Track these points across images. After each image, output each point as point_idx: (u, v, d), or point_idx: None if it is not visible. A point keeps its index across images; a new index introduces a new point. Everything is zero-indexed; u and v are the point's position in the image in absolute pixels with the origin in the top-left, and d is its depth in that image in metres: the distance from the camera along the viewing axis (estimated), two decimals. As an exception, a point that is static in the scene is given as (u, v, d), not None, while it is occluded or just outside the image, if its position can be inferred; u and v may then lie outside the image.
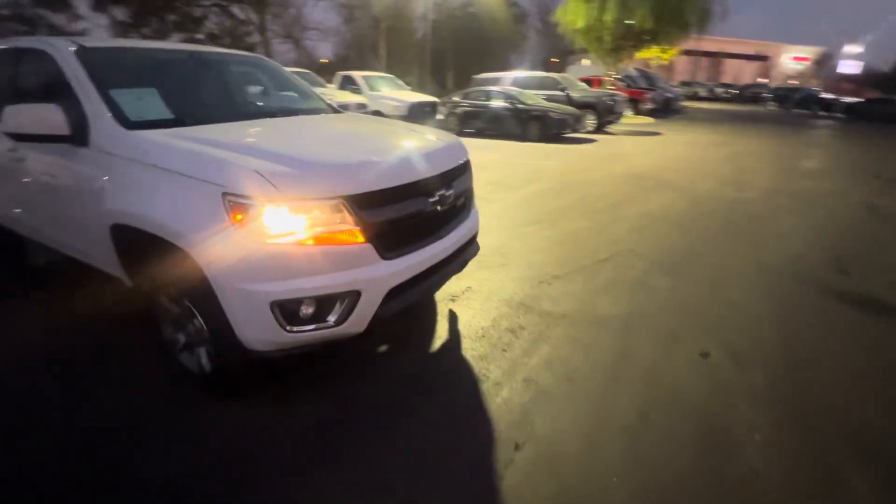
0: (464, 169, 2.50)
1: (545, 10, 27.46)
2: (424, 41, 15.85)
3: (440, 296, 3.12)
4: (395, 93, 11.67)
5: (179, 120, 2.28)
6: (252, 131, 2.18)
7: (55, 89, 2.27)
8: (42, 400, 2.09)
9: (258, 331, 1.75)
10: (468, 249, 2.53)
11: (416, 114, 11.32)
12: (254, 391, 2.15)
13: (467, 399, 2.13)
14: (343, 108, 8.90)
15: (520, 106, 12.10)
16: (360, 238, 1.82)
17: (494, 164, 8.24)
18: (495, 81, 15.02)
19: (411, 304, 2.13)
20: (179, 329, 2.08)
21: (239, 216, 1.65)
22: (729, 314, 2.94)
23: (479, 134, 12.82)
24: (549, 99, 13.49)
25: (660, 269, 3.62)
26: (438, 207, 2.15)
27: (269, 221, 1.65)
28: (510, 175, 7.27)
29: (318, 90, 9.27)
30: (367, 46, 21.27)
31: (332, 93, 9.73)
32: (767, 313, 2.95)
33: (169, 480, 1.66)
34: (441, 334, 2.67)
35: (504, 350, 2.51)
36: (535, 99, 12.77)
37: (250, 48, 15.60)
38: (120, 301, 2.61)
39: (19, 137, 2.02)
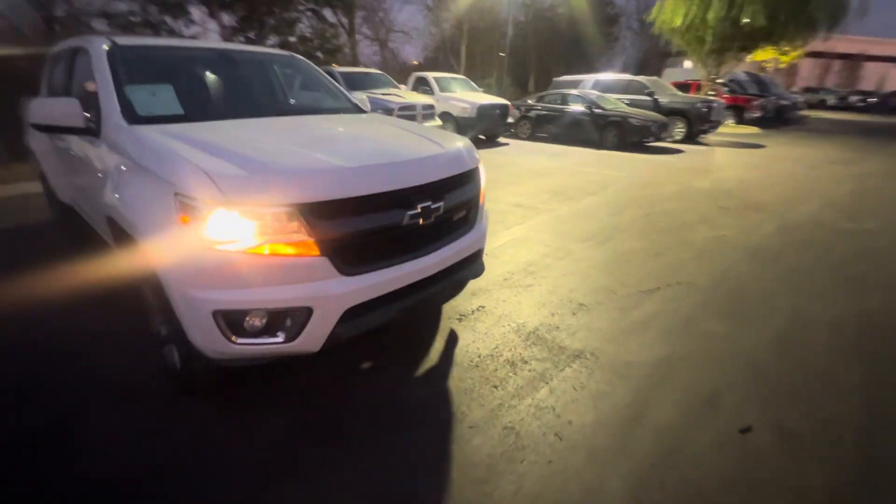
0: (464, 179, 2.23)
1: (644, 8, 25.53)
2: (507, 43, 15.49)
3: (447, 311, 2.89)
4: (466, 94, 11.50)
5: (187, 116, 2.31)
6: (243, 130, 2.11)
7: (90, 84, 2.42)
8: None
9: (204, 338, 1.66)
10: (466, 269, 2.26)
11: (485, 117, 11.08)
12: (227, 394, 2.10)
13: (432, 441, 1.87)
14: (409, 108, 8.94)
15: (597, 111, 11.32)
16: (315, 250, 1.66)
17: (558, 172, 7.75)
18: (575, 84, 14.26)
19: (384, 325, 1.92)
20: (161, 323, 2.08)
21: (186, 218, 1.58)
22: (795, 382, 2.32)
23: (553, 139, 12.26)
24: (634, 104, 12.46)
25: (716, 310, 3.02)
26: (420, 221, 1.91)
27: (214, 226, 1.55)
28: (572, 184, 6.75)
29: (383, 91, 9.47)
30: (450, 48, 21.43)
31: (402, 93, 9.83)
32: (851, 390, 2.28)
33: (115, 477, 1.64)
34: (432, 357, 2.43)
35: (495, 386, 2.20)
36: (615, 103, 11.86)
37: (336, 50, 16.52)
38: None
39: (43, 129, 2.16)
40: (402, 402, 2.10)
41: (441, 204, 2.01)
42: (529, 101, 13.27)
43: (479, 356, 2.45)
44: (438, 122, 9.95)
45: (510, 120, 12.05)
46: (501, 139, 12.62)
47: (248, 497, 1.59)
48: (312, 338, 1.72)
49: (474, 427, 1.94)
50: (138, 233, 1.72)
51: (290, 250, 1.63)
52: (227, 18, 13.70)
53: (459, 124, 11.00)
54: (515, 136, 13.37)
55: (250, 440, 1.83)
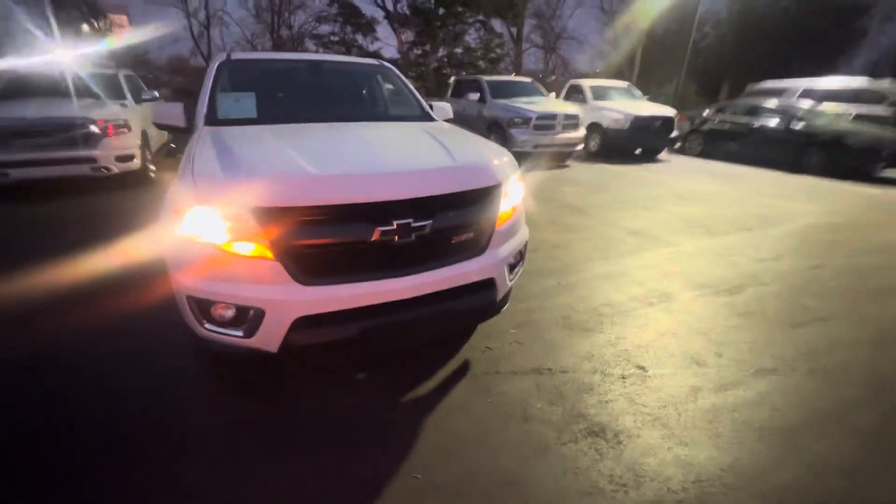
0: (470, 198, 1.95)
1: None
2: (690, 44, 13.34)
3: (474, 339, 2.62)
4: (622, 104, 10.39)
5: (258, 119, 2.61)
6: (280, 134, 2.24)
7: (209, 91, 2.94)
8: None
9: (185, 319, 1.83)
10: (460, 300, 1.98)
11: (642, 129, 9.86)
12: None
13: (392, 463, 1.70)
14: (547, 118, 8.54)
15: (796, 127, 8.93)
16: (269, 254, 1.66)
17: (715, 198, 6.38)
18: (778, 93, 11.53)
19: (349, 342, 1.82)
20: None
21: (176, 210, 1.76)
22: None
23: (732, 158, 10.16)
24: (867, 119, 9.42)
25: (865, 448, 2.03)
26: (395, 238, 1.75)
27: (191, 220, 1.69)
28: (726, 215, 5.46)
29: (525, 100, 9.18)
30: (625, 54, 19.62)
31: (545, 102, 9.43)
32: None
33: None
34: (421, 387, 2.23)
35: (445, 454, 1.89)
36: (831, 117, 9.16)
37: (499, 59, 16.84)
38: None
39: (161, 127, 2.71)
40: (365, 426, 1.97)
41: (428, 223, 1.81)
42: (705, 113, 11.29)
43: (462, 401, 2.14)
44: (582, 132, 9.25)
45: (675, 134, 10.46)
46: (663, 155, 11.06)
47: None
48: (268, 338, 1.74)
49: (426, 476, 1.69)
50: (160, 224, 1.99)
51: (248, 251, 1.67)
52: (406, 35, 15.33)
53: (609, 136, 10.07)
54: (683, 152, 11.56)
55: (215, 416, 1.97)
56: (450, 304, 1.96)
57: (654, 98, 15.09)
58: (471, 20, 16.06)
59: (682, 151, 11.62)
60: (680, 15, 17.85)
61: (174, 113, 2.63)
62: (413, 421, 1.98)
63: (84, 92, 6.39)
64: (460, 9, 14.84)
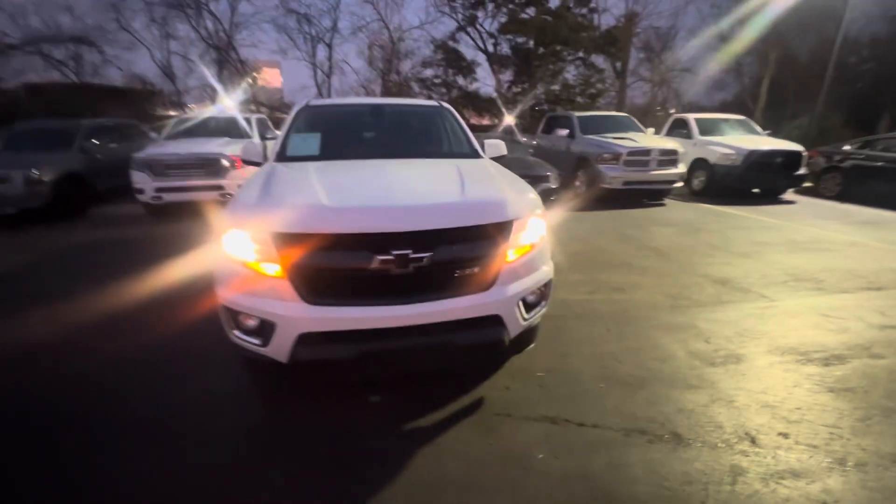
0: (476, 234, 1.96)
1: None
2: (848, 70, 11.48)
3: (496, 377, 2.56)
4: (735, 139, 9.35)
5: (319, 156, 2.98)
6: (327, 170, 2.52)
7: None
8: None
9: (223, 324, 2.13)
10: (462, 334, 1.98)
11: (758, 166, 8.73)
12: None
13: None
14: (640, 153, 8.11)
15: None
16: (281, 273, 1.88)
17: (839, 248, 5.37)
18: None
19: (347, 363, 1.93)
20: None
21: (219, 232, 2.08)
22: None
23: (882, 202, 8.41)
24: None
25: None
26: (392, 269, 1.85)
27: (228, 240, 1.99)
28: (849, 269, 4.56)
29: (617, 136, 8.78)
30: (748, 84, 17.55)
31: (639, 137, 8.90)
32: None
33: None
34: (426, 417, 2.23)
35: (425, 493, 1.84)
36: None
37: (599, 94, 16.37)
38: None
39: (246, 162, 3.23)
40: (372, 446, 2.04)
41: (427, 255, 1.88)
42: (846, 148, 9.62)
43: (482, 439, 2.08)
44: (681, 169, 8.53)
45: (801, 172, 9.06)
46: (789, 196, 9.60)
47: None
48: (279, 350, 1.94)
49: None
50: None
51: (268, 271, 1.91)
52: (505, 74, 15.87)
53: (717, 173, 9.11)
54: (817, 193, 9.92)
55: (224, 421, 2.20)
56: (451, 336, 1.98)
57: (786, 132, 13.30)
58: (570, 58, 16.10)
59: (815, 192, 9.96)
60: (821, 38, 15.67)
61: (255, 150, 3.13)
62: (405, 451, 2.00)
63: (224, 133, 7.84)
64: (559, 47, 15.02)
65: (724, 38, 15.94)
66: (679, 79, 19.26)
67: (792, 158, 8.88)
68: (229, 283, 2.01)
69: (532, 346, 2.49)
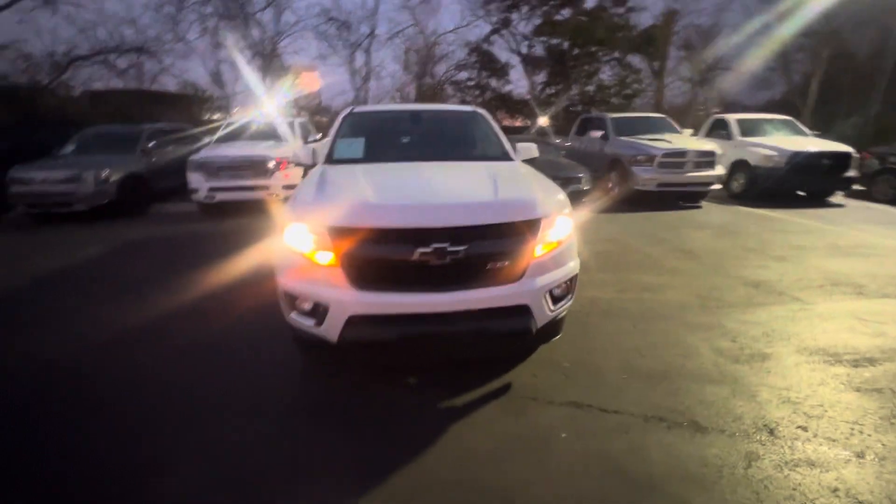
0: (507, 230, 2.16)
1: None
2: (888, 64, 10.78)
3: (523, 366, 2.74)
4: (778, 140, 9.05)
5: (363, 159, 3.25)
6: (371, 171, 2.78)
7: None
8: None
9: (283, 308, 2.42)
10: (494, 322, 2.18)
11: (803, 168, 8.42)
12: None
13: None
14: (675, 155, 8.02)
15: None
16: (334, 262, 2.14)
17: (886, 254, 5.23)
18: None
19: (390, 344, 2.18)
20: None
21: (280, 226, 2.37)
22: None
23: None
24: None
25: None
26: (431, 260, 2.07)
27: (289, 234, 2.28)
28: (892, 274, 4.43)
29: (652, 137, 8.70)
30: (798, 83, 16.66)
31: (676, 139, 8.78)
32: None
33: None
34: (458, 398, 2.44)
35: (454, 461, 2.04)
36: None
37: (634, 95, 16.06)
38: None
39: (297, 164, 3.55)
40: (409, 420, 2.27)
41: (462, 248, 2.09)
42: (902, 149, 9.13)
43: (510, 419, 2.28)
44: (719, 171, 8.36)
45: (851, 174, 8.67)
46: (837, 199, 9.20)
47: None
48: (330, 330, 2.19)
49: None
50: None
51: (322, 260, 2.18)
52: (539, 76, 15.89)
53: (758, 176, 8.85)
54: (869, 196, 9.46)
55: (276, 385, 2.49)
56: (484, 323, 2.18)
57: (839, 133, 12.66)
58: (605, 58, 15.93)
59: (867, 196, 9.49)
60: (880, 32, 14.79)
61: (306, 154, 3.44)
62: (438, 425, 2.22)
63: (269, 136, 8.36)
64: (594, 48, 14.90)
65: (770, 34, 15.29)
66: (722, 77, 18.61)
67: (840, 160, 8.52)
68: (289, 270, 2.29)
69: (558, 336, 2.66)
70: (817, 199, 9.07)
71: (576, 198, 7.43)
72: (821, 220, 7.08)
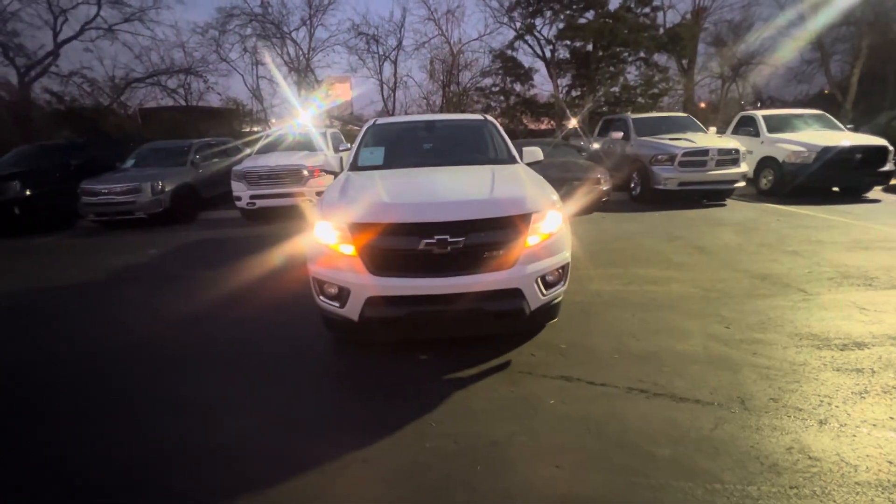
0: (500, 224, 2.51)
1: None
2: None
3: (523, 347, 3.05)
4: (809, 135, 8.89)
5: (383, 166, 3.68)
6: (388, 176, 3.21)
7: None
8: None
9: (313, 293, 2.86)
10: (490, 302, 2.53)
11: (833, 163, 8.23)
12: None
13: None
14: (697, 154, 8.06)
15: None
16: (354, 252, 2.55)
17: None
18: None
19: (399, 321, 2.58)
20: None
21: (311, 223, 2.82)
22: None
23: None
24: None
25: None
26: (434, 249, 2.45)
27: (317, 229, 2.72)
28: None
29: (673, 136, 8.74)
30: (837, 75, 15.87)
31: (698, 138, 8.77)
32: None
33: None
34: (462, 372, 2.79)
35: (458, 416, 2.39)
36: None
37: (661, 94, 15.84)
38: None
39: (327, 172, 4.02)
40: (421, 386, 2.65)
41: (461, 239, 2.46)
42: (945, 142, 8.73)
43: (506, 387, 2.62)
44: (742, 169, 8.31)
45: (888, 168, 8.40)
46: (874, 194, 8.89)
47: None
48: (352, 310, 2.61)
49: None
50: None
51: (346, 251, 2.60)
52: (563, 79, 16.02)
53: (786, 172, 8.72)
54: (907, 192, 9.08)
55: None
56: (481, 304, 2.54)
57: (883, 126, 12.12)
58: (630, 58, 15.85)
59: (904, 191, 9.11)
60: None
61: (334, 163, 3.91)
62: (444, 391, 2.58)
63: (304, 146, 9.02)
64: (619, 49, 14.88)
65: (805, 25, 14.75)
66: (755, 72, 18.07)
67: (875, 154, 8.28)
68: (317, 260, 2.73)
69: (555, 320, 2.97)
70: (852, 196, 8.81)
71: (596, 198, 7.63)
72: (849, 216, 6.96)
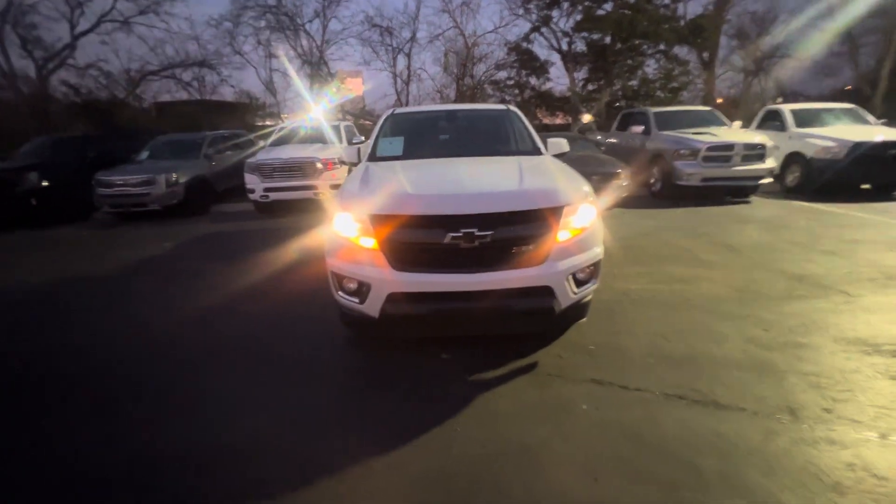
0: (530, 217, 2.35)
1: None
2: None
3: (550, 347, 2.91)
4: (839, 130, 8.53)
5: (402, 156, 3.54)
6: (409, 166, 3.06)
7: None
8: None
9: (332, 288, 2.74)
10: (518, 301, 2.38)
11: (866, 159, 7.87)
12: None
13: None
14: (721, 148, 7.79)
15: None
16: (375, 245, 2.42)
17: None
18: None
19: (423, 319, 2.44)
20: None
21: (329, 215, 2.69)
22: None
23: None
24: None
25: None
26: (461, 244, 2.30)
27: (338, 221, 2.59)
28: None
29: (696, 130, 8.46)
30: (865, 69, 15.27)
31: (721, 132, 8.48)
32: None
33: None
34: (488, 373, 2.65)
35: (483, 421, 2.25)
36: None
37: (681, 88, 15.40)
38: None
39: (345, 163, 3.90)
40: (445, 387, 2.52)
41: (489, 233, 2.31)
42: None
43: (534, 391, 2.47)
44: (769, 164, 8.00)
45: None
46: (906, 191, 8.51)
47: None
48: (373, 306, 2.48)
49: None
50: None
51: (366, 244, 2.46)
52: (579, 72, 15.70)
53: (814, 168, 8.38)
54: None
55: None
56: (509, 302, 2.39)
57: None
58: (650, 51, 15.45)
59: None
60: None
61: (353, 153, 3.78)
62: (468, 393, 2.44)
63: (317, 139, 8.92)
64: (638, 41, 14.50)
65: (833, 17, 14.21)
66: (780, 66, 17.49)
67: (907, 148, 7.89)
68: (337, 253, 2.60)
69: (584, 319, 2.81)
70: (885, 193, 8.44)
71: (615, 193, 7.41)
72: (883, 215, 6.64)
